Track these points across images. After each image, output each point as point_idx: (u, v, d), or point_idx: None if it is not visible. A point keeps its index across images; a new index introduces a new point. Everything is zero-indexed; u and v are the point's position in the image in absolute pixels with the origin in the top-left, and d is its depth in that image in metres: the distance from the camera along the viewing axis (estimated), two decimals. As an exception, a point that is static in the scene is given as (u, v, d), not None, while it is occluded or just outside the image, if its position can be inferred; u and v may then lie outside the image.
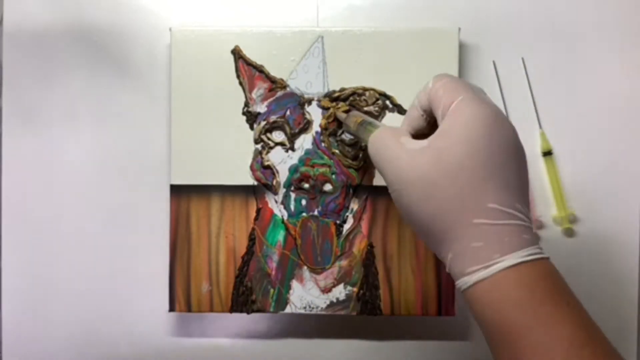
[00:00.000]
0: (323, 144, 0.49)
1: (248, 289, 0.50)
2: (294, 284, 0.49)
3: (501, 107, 0.52)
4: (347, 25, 0.51)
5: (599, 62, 0.52)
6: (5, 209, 0.53)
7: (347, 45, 0.49)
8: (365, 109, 0.49)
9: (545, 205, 0.52)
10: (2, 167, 0.53)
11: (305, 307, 0.49)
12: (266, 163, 0.49)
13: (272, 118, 0.49)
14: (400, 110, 0.49)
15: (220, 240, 0.50)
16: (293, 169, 0.49)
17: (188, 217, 0.50)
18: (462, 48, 0.51)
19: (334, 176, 0.49)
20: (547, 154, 0.51)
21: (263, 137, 0.49)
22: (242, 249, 0.50)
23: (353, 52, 0.49)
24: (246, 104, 0.50)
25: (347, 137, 0.49)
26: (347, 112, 0.47)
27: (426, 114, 0.37)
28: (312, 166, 0.49)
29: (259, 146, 0.50)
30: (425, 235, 0.33)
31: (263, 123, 0.49)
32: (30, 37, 0.53)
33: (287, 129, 0.49)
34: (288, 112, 0.49)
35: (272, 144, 0.49)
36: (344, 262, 0.49)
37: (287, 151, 0.49)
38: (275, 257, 0.50)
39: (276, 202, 0.50)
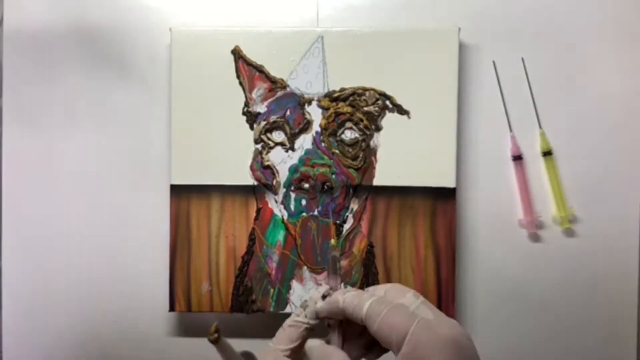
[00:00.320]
0: (323, 144, 0.49)
1: (248, 289, 0.50)
2: (294, 284, 0.49)
3: (501, 107, 0.52)
4: (347, 25, 0.51)
5: (599, 62, 0.52)
6: (5, 209, 0.53)
7: (347, 45, 0.49)
8: (365, 109, 0.49)
9: (545, 205, 0.52)
10: (2, 167, 0.53)
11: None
12: (266, 163, 0.49)
13: (272, 118, 0.49)
14: (400, 111, 0.49)
15: (220, 240, 0.50)
16: (293, 169, 0.49)
17: (188, 217, 0.50)
18: (462, 48, 0.51)
19: (334, 176, 0.49)
20: (547, 154, 0.51)
21: (263, 137, 0.50)
22: (242, 249, 0.50)
23: (353, 52, 0.49)
24: (246, 104, 0.50)
25: (347, 137, 0.49)
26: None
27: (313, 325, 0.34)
28: (312, 166, 0.49)
29: (259, 146, 0.50)
30: None
31: (263, 123, 0.49)
32: (30, 37, 0.53)
33: (287, 129, 0.49)
34: (288, 112, 0.49)
35: (272, 144, 0.49)
36: (344, 262, 0.49)
37: (287, 151, 0.49)
38: (275, 257, 0.50)
39: (276, 202, 0.50)
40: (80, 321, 0.53)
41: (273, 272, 0.49)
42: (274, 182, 0.49)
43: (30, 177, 0.53)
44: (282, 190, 0.49)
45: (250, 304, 0.49)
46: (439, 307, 0.49)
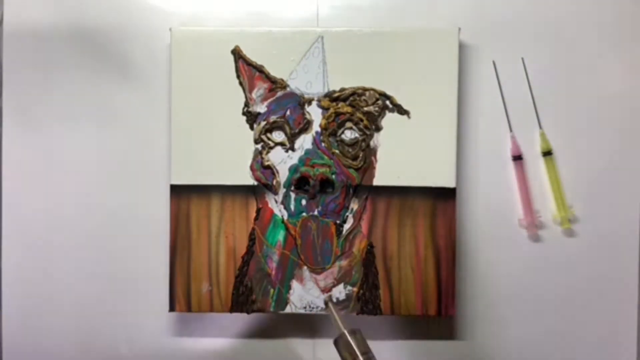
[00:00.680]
0: (323, 144, 0.49)
1: (248, 289, 0.50)
2: (294, 284, 0.49)
3: (501, 107, 0.52)
4: (347, 25, 0.51)
5: (599, 62, 0.52)
6: (5, 209, 0.53)
7: (347, 45, 0.49)
8: (365, 109, 0.49)
9: (545, 205, 0.52)
10: (2, 167, 0.53)
11: (305, 307, 0.49)
12: (266, 163, 0.49)
13: (272, 118, 0.49)
14: (400, 111, 0.49)
15: (220, 240, 0.50)
16: (293, 169, 0.49)
17: (188, 217, 0.50)
18: (462, 48, 0.51)
19: (334, 176, 0.49)
20: (547, 154, 0.51)
21: (263, 137, 0.50)
22: (242, 249, 0.50)
23: (353, 52, 0.49)
24: (246, 104, 0.50)
25: (347, 137, 0.49)
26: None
27: None
28: (312, 166, 0.49)
29: (259, 146, 0.50)
30: None
31: (263, 123, 0.49)
32: (30, 37, 0.53)
33: (287, 129, 0.49)
34: (288, 112, 0.49)
35: (272, 144, 0.49)
36: (344, 262, 0.49)
37: (287, 151, 0.49)
38: (275, 257, 0.50)
39: (276, 202, 0.50)
40: (80, 321, 0.53)
41: (273, 272, 0.49)
42: (274, 182, 0.49)
43: (30, 177, 0.53)
44: (282, 190, 0.49)
45: (250, 304, 0.49)
46: (439, 307, 0.49)
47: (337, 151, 0.49)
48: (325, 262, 0.49)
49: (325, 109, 0.49)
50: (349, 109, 0.49)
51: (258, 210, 0.50)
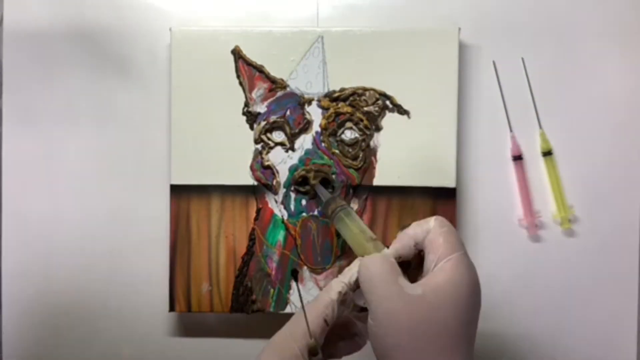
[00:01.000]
0: (323, 144, 0.49)
1: (248, 289, 0.50)
2: (294, 284, 0.49)
3: (501, 107, 0.52)
4: (347, 25, 0.51)
5: (599, 62, 0.52)
6: (5, 209, 0.53)
7: (347, 45, 0.49)
8: (365, 109, 0.49)
9: (545, 205, 0.52)
10: (2, 167, 0.53)
11: (305, 307, 0.49)
12: (266, 163, 0.49)
13: (272, 118, 0.49)
14: (400, 111, 0.49)
15: (220, 240, 0.50)
16: (293, 169, 0.49)
17: (188, 217, 0.50)
18: (462, 48, 0.51)
19: (334, 176, 0.49)
20: (547, 154, 0.51)
21: (263, 137, 0.50)
22: (242, 249, 0.50)
23: (353, 52, 0.49)
24: (246, 104, 0.50)
25: (347, 137, 0.49)
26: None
27: (417, 246, 0.38)
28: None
29: (259, 146, 0.50)
30: None
31: (263, 123, 0.49)
32: (30, 37, 0.53)
33: (287, 129, 0.49)
34: (288, 112, 0.49)
35: (272, 144, 0.49)
36: (344, 262, 0.49)
37: (287, 151, 0.49)
38: (275, 257, 0.50)
39: (276, 202, 0.50)
40: (80, 321, 0.53)
41: (273, 272, 0.49)
42: (274, 182, 0.49)
43: (30, 176, 0.53)
44: (282, 191, 0.49)
45: (250, 304, 0.49)
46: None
47: (337, 151, 0.49)
48: (325, 262, 0.49)
49: (325, 109, 0.49)
50: (349, 109, 0.49)
51: (258, 211, 0.50)
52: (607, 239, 0.52)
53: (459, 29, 0.49)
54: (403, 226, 0.39)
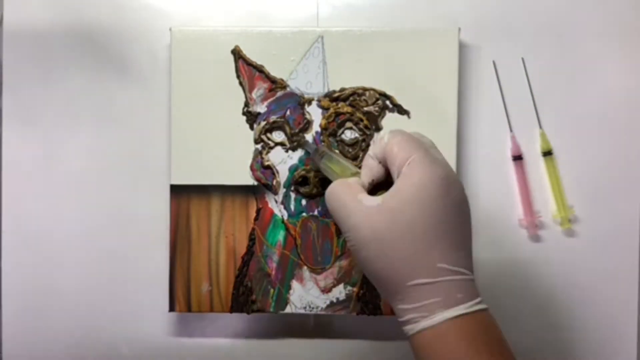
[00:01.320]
0: (323, 144, 0.49)
1: (248, 289, 0.50)
2: (294, 284, 0.49)
3: (501, 107, 0.52)
4: (347, 25, 0.51)
5: (599, 62, 0.52)
6: (5, 209, 0.53)
7: (347, 45, 0.49)
8: (365, 109, 0.49)
9: (545, 205, 0.52)
10: (2, 167, 0.53)
11: (305, 307, 0.49)
12: (266, 163, 0.49)
13: (272, 118, 0.49)
14: (400, 111, 0.49)
15: (220, 240, 0.50)
16: (293, 169, 0.49)
17: (188, 217, 0.50)
18: (462, 48, 0.51)
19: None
20: (547, 154, 0.51)
21: (263, 137, 0.50)
22: (242, 249, 0.50)
23: (353, 52, 0.49)
24: (246, 104, 0.50)
25: (347, 137, 0.49)
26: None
27: (382, 163, 0.37)
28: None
29: (259, 146, 0.50)
30: (379, 287, 0.36)
31: (263, 123, 0.49)
32: (30, 37, 0.53)
33: (287, 129, 0.49)
34: (288, 112, 0.49)
35: (272, 144, 0.49)
36: (344, 262, 0.49)
37: (287, 151, 0.49)
38: (275, 257, 0.50)
39: (276, 202, 0.50)
40: (80, 321, 0.53)
41: (273, 272, 0.49)
42: (274, 182, 0.49)
43: (30, 176, 0.53)
44: (282, 190, 0.49)
45: (250, 304, 0.49)
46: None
47: (337, 151, 0.49)
48: (325, 262, 0.49)
49: (325, 109, 0.49)
50: (349, 109, 0.49)
51: (258, 210, 0.50)
52: (607, 239, 0.52)
53: (459, 29, 0.49)
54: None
